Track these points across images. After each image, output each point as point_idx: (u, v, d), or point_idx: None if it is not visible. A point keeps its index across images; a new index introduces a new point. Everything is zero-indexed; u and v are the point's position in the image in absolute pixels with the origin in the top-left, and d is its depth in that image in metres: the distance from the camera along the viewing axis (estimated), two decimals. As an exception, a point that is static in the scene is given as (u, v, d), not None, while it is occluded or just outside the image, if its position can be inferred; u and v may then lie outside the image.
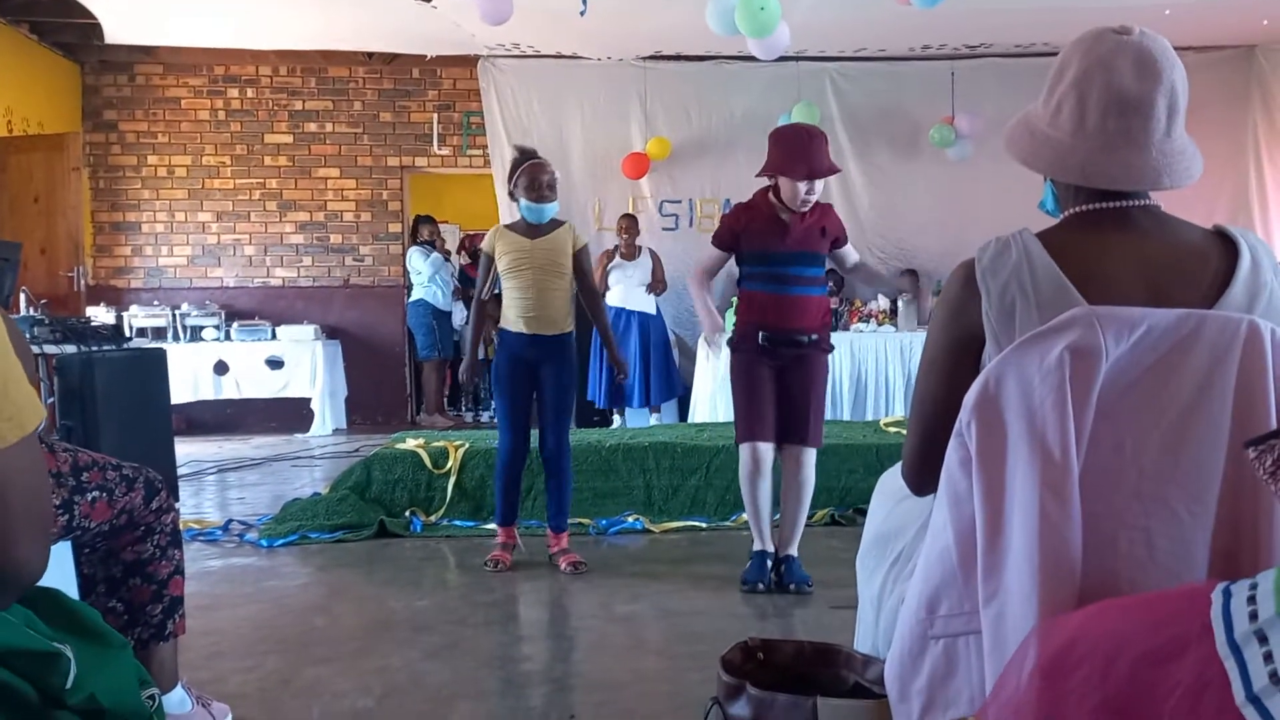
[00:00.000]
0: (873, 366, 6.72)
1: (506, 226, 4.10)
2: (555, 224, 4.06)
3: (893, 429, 5.64)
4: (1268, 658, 0.89)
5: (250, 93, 8.95)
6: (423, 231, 8.83)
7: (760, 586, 3.71)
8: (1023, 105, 1.58)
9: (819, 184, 3.69)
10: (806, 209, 3.70)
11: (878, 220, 8.62)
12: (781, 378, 3.73)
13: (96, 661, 0.98)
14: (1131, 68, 1.39)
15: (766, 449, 3.74)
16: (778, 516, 3.91)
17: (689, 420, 7.28)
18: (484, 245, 4.10)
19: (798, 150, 3.63)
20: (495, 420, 9.48)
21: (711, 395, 7.02)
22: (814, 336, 3.73)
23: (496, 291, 4.20)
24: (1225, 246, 1.42)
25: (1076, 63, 1.44)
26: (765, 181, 3.79)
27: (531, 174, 3.96)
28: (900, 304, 7.30)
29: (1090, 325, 1.33)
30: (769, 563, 3.77)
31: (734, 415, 3.84)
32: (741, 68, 8.52)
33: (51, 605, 1.02)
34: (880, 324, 7.29)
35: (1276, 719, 0.85)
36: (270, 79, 8.96)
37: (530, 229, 4.02)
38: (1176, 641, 1.01)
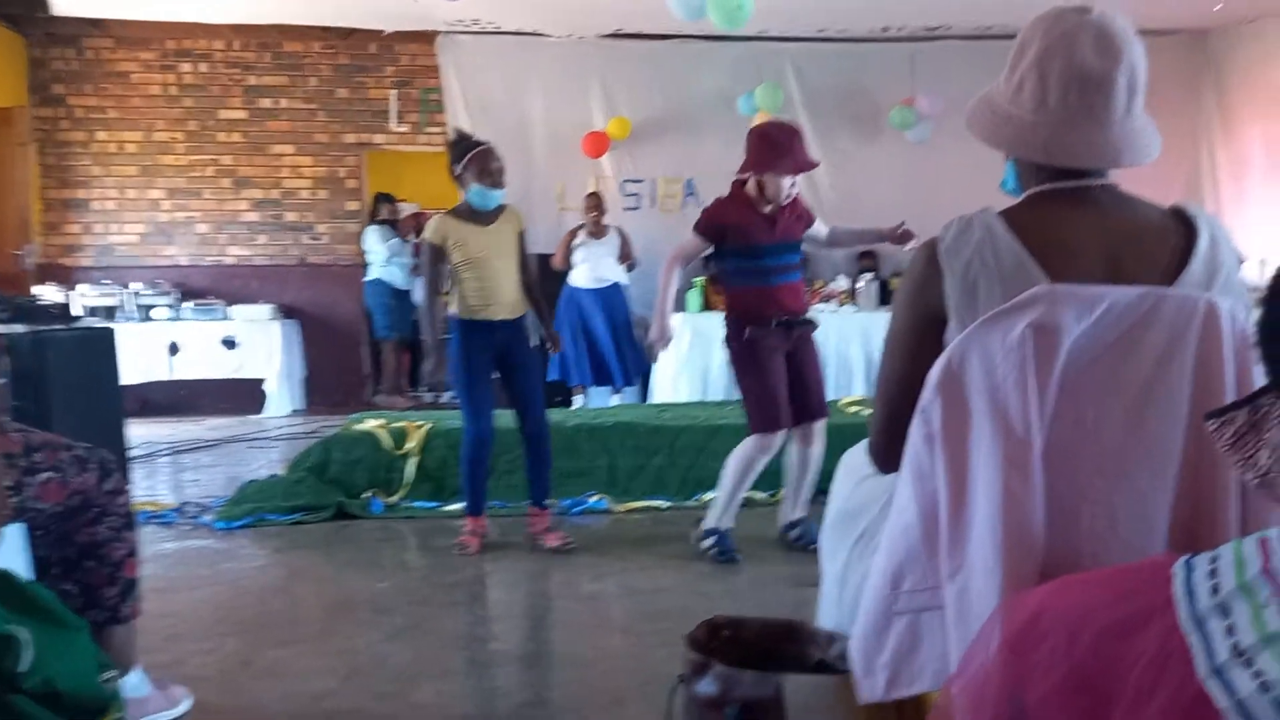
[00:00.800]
0: (833, 347, 6.73)
1: (453, 215, 4.02)
2: (500, 209, 4.03)
3: (853, 408, 5.67)
4: (1229, 631, 0.91)
5: (203, 67, 8.76)
6: (382, 210, 8.73)
7: (737, 555, 3.86)
8: (982, 87, 1.59)
9: (799, 177, 3.87)
10: (788, 202, 3.85)
11: (839, 202, 8.62)
12: (789, 362, 3.89)
13: (53, 644, 0.96)
14: (1092, 46, 1.40)
15: (781, 436, 3.85)
16: (773, 492, 4.28)
17: (650, 401, 7.29)
18: (429, 236, 3.97)
19: (782, 148, 3.75)
20: (455, 400, 9.46)
21: (674, 377, 7.03)
22: (807, 316, 3.95)
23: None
24: (1183, 226, 1.43)
25: (1038, 41, 1.44)
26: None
27: (483, 160, 3.93)
28: (860, 284, 7.34)
29: (1052, 303, 1.35)
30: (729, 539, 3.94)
31: (747, 405, 3.86)
32: (703, 47, 8.48)
33: (4, 587, 0.99)
34: (841, 304, 7.33)
35: (1239, 692, 0.86)
36: (224, 54, 8.77)
37: (477, 215, 3.98)
38: (1139, 615, 1.02)
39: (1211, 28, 8.51)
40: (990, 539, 1.34)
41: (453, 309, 4.05)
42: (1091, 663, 1.04)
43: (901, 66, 8.56)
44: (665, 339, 3.99)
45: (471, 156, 3.94)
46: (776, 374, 3.83)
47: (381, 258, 8.48)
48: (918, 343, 1.49)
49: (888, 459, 1.53)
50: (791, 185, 3.81)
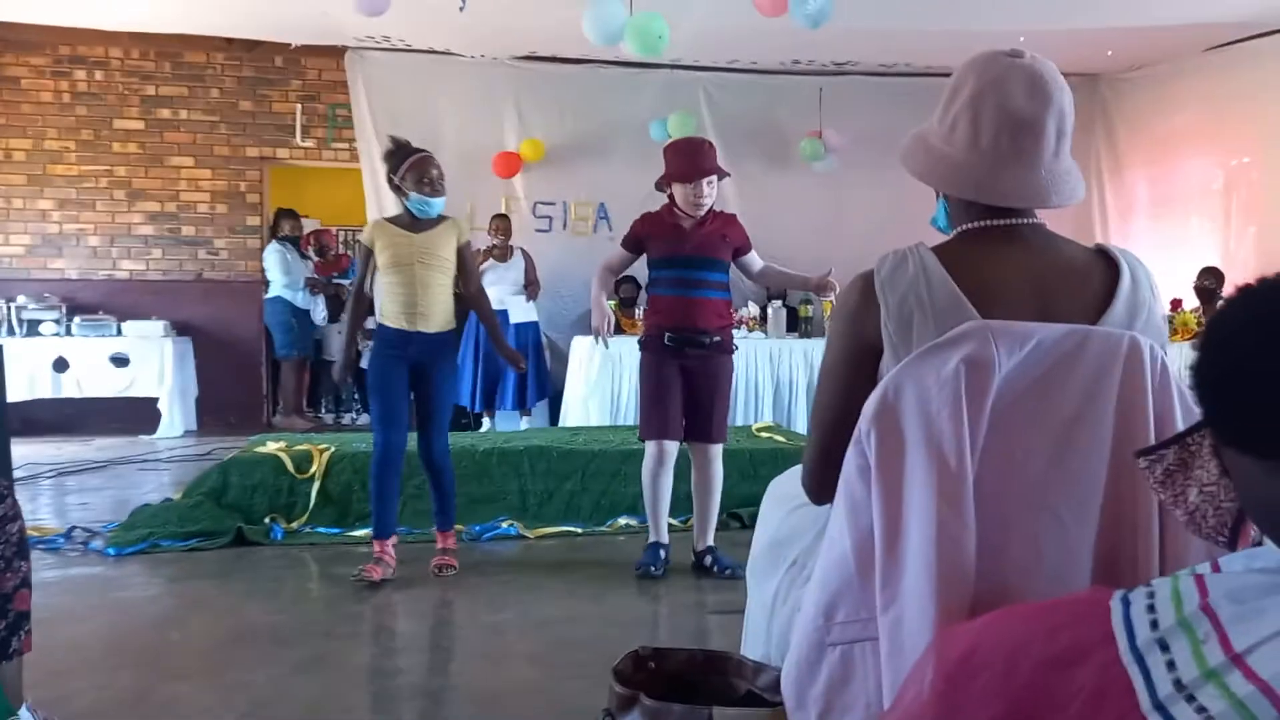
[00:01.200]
0: (744, 372, 6.80)
1: (388, 220, 3.99)
2: (440, 219, 3.96)
3: (764, 434, 5.73)
4: (1170, 665, 0.92)
5: (99, 75, 8.46)
6: (284, 227, 8.53)
7: (653, 570, 3.93)
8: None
9: (709, 187, 3.91)
10: (701, 212, 3.91)
11: (750, 229, 8.75)
12: (687, 378, 3.92)
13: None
14: (1023, 90, 1.44)
15: (670, 446, 3.96)
16: (686, 518, 4.28)
17: (560, 423, 7.24)
18: (363, 238, 3.97)
19: (685, 156, 3.92)
20: (358, 423, 9.27)
21: (583, 399, 7.00)
22: (716, 338, 3.94)
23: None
24: (1107, 265, 1.48)
25: (971, 83, 1.48)
26: (664, 198, 4.03)
27: (422, 168, 3.86)
28: (770, 310, 7.43)
29: (985, 338, 1.37)
30: (662, 552, 4.00)
31: (640, 413, 4.02)
32: (618, 73, 8.53)
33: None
34: (750, 330, 7.41)
35: (1182, 725, 0.87)
36: (121, 62, 8.49)
37: (414, 223, 3.91)
38: (1076, 648, 1.03)
39: (1101, 73, 8.92)
40: (924, 571, 1.35)
41: (377, 318, 3.99)
42: (1029, 695, 1.05)
43: (810, 100, 8.75)
44: (602, 318, 4.16)
45: (411, 164, 3.87)
46: (664, 384, 3.89)
47: (281, 275, 8.27)
48: (853, 374, 1.50)
49: (822, 489, 1.54)
50: (697, 195, 3.85)
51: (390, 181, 3.93)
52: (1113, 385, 1.39)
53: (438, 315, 3.91)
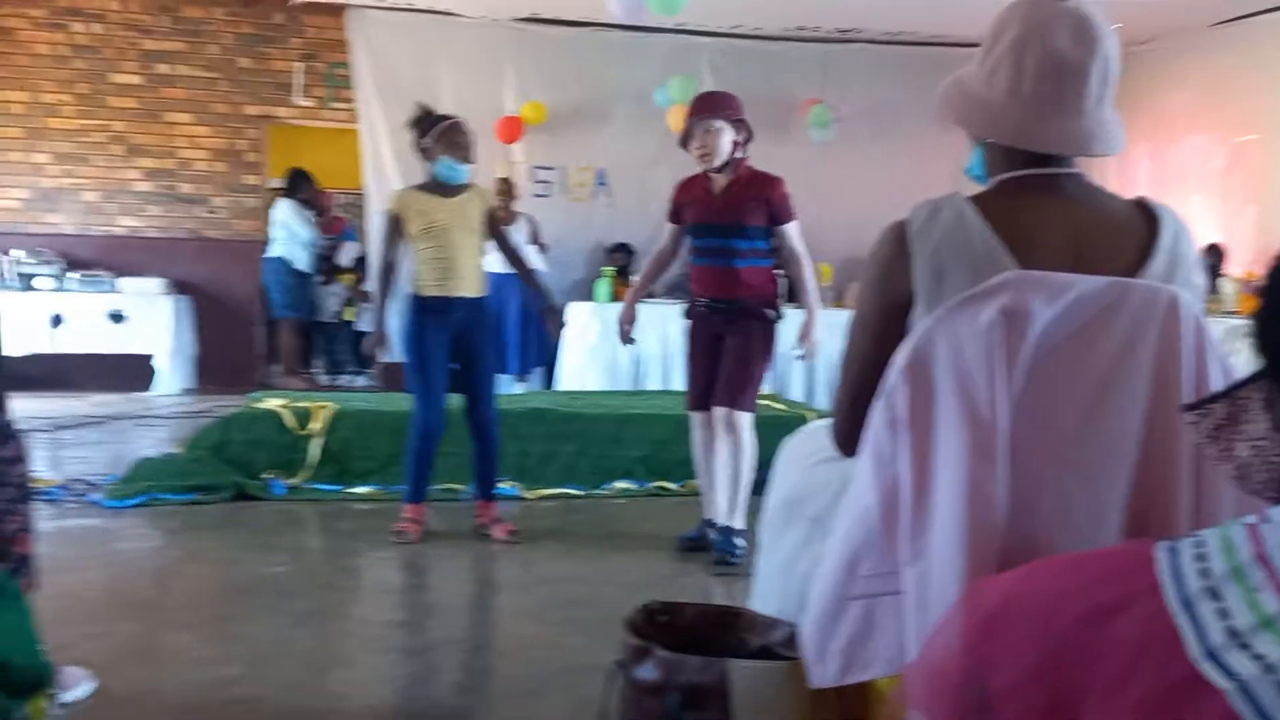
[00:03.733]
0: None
1: (416, 187, 3.93)
2: (465, 185, 3.92)
3: (762, 402, 5.70)
4: (1221, 614, 0.91)
5: (97, 28, 8.33)
6: (303, 188, 8.40)
7: (698, 545, 3.75)
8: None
9: (708, 135, 3.64)
10: (713, 164, 3.66)
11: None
12: (722, 346, 3.74)
13: (-14, 615, 0.87)
14: (1069, 34, 1.41)
15: (708, 417, 3.75)
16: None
17: (554, 388, 7.22)
18: (390, 208, 3.90)
19: (692, 104, 3.77)
20: (354, 384, 9.23)
21: (581, 366, 6.98)
22: (749, 305, 3.69)
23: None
24: (1147, 218, 1.45)
25: (1015, 26, 1.45)
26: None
27: (454, 133, 3.83)
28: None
29: (1022, 289, 1.35)
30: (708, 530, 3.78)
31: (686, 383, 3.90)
32: (619, 37, 8.43)
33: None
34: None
35: (1240, 673, 0.86)
36: (119, 14, 8.35)
37: (442, 189, 3.87)
38: (1120, 599, 1.01)
39: (1110, 47, 8.83)
40: (953, 525, 1.33)
41: (410, 287, 3.92)
42: (1066, 647, 1.03)
43: (813, 68, 8.67)
44: (626, 320, 4.03)
45: (443, 130, 3.84)
46: (702, 355, 3.77)
47: (300, 233, 8.20)
48: (883, 326, 1.48)
49: (852, 441, 1.52)
50: (699, 142, 3.63)
51: (417, 145, 3.88)
52: (1150, 340, 1.37)
53: (473, 279, 3.88)
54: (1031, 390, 1.37)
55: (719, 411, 3.69)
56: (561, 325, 4.19)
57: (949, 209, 1.42)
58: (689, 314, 3.85)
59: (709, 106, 3.71)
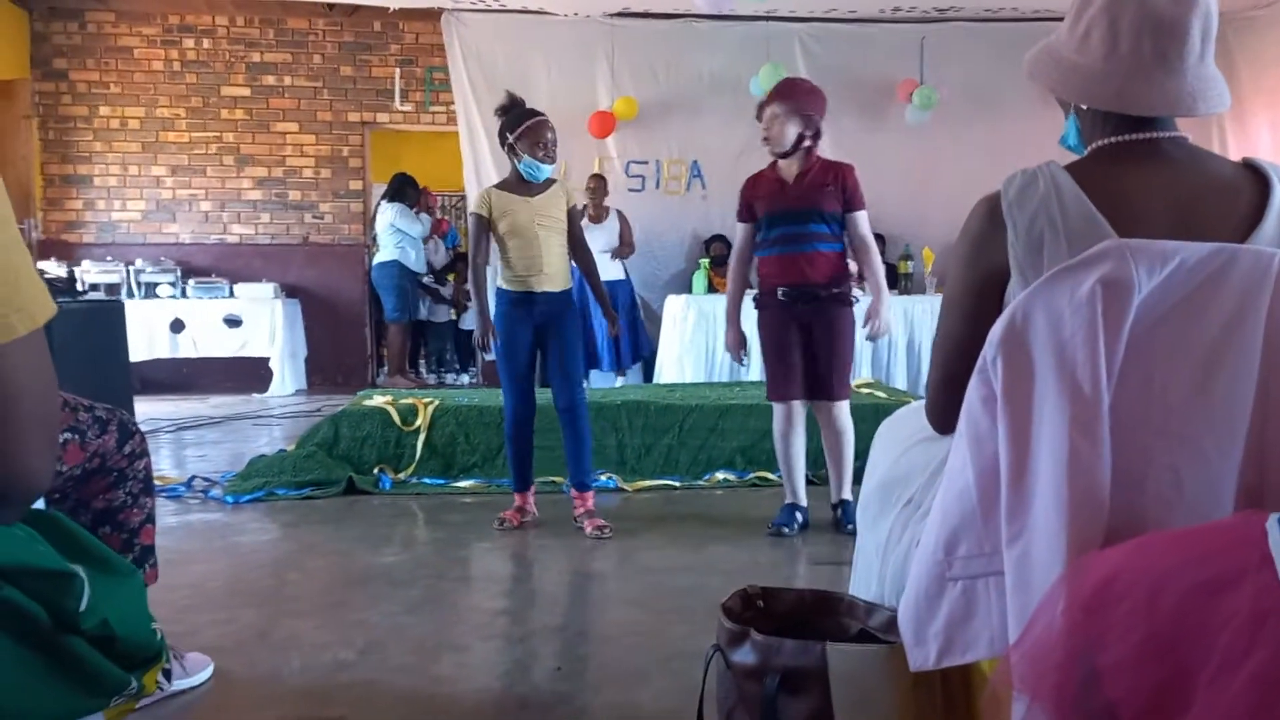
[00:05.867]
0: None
1: (498, 187, 3.99)
2: (549, 181, 3.96)
3: (864, 390, 5.64)
4: (1338, 585, 0.87)
5: (206, 43, 8.70)
6: (410, 194, 8.59)
7: (785, 531, 3.83)
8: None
9: (775, 122, 3.74)
10: (780, 149, 3.75)
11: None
12: (805, 334, 3.79)
13: (107, 587, 0.92)
14: (1165, -10, 1.36)
15: (797, 406, 3.85)
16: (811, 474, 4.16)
17: (654, 382, 7.25)
18: (476, 209, 3.95)
19: (771, 94, 3.80)
20: (459, 381, 9.43)
21: (678, 358, 6.99)
22: (831, 290, 3.76)
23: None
24: (1257, 181, 1.39)
25: None
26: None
27: (538, 132, 3.86)
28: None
29: (1123, 258, 1.30)
30: (799, 515, 3.90)
31: (765, 374, 3.96)
32: (710, 27, 8.42)
33: (55, 529, 0.95)
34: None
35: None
36: (227, 29, 8.71)
37: (525, 186, 3.92)
38: (1230, 573, 0.98)
39: (1224, 11, 8.39)
40: (1055, 502, 1.30)
41: (498, 282, 4.01)
42: (1174, 624, 1.00)
43: (910, 49, 8.51)
44: (737, 342, 3.99)
45: (526, 128, 3.87)
46: (782, 345, 3.80)
47: (415, 232, 8.42)
48: (976, 301, 1.45)
49: (947, 419, 1.49)
50: (768, 129, 3.74)
51: (503, 139, 3.93)
52: (1261, 308, 1.31)
53: (558, 274, 3.93)
54: (1135, 363, 1.32)
55: (823, 404, 3.83)
56: (618, 333, 4.31)
57: (1044, 178, 1.39)
58: (763, 301, 3.86)
59: (781, 93, 3.77)
